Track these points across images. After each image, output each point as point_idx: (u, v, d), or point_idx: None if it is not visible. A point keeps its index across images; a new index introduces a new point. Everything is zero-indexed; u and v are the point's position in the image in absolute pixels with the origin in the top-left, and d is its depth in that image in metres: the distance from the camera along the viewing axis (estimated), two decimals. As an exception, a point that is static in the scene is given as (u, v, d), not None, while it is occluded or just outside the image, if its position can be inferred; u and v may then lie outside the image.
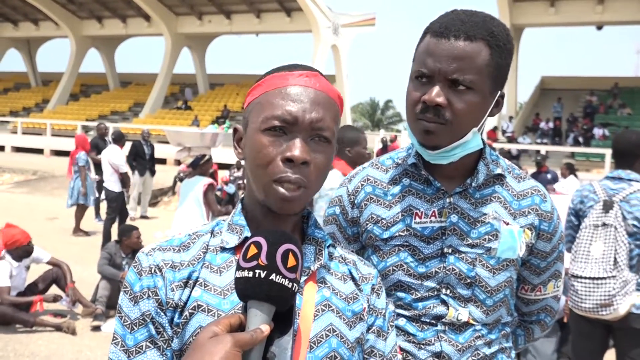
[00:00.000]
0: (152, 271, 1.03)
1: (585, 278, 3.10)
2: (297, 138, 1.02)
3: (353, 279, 1.14)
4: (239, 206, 1.13)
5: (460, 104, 1.30)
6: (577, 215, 3.35)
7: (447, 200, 1.42)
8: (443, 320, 1.40)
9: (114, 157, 8.97)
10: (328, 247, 1.14)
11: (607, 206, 3.13)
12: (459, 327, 1.41)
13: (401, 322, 1.43)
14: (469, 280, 1.40)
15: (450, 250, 1.40)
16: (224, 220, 1.14)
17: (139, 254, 1.07)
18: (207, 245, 1.08)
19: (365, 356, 1.12)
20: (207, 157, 5.84)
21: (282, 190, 1.01)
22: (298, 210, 1.05)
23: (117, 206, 8.95)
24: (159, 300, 1.02)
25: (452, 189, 1.43)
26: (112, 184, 8.88)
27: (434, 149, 1.36)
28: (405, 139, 20.48)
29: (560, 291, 1.60)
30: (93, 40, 33.16)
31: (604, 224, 3.11)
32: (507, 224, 1.42)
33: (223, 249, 1.08)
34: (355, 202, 1.49)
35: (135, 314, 1.01)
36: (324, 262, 1.10)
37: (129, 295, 1.03)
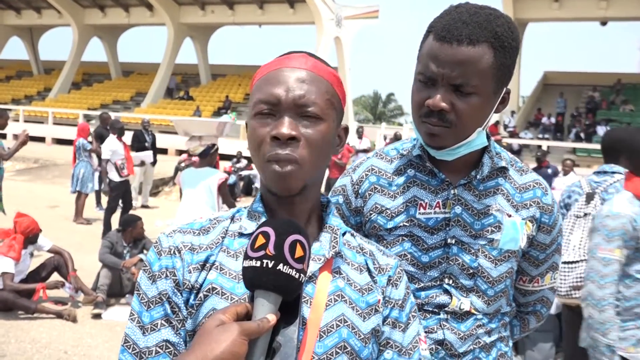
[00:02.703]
0: (172, 252, 1.06)
1: (562, 263, 3.17)
2: (283, 117, 1.04)
3: (368, 270, 1.14)
4: (259, 194, 1.16)
5: (464, 108, 1.31)
6: (566, 209, 3.45)
7: (452, 191, 1.44)
8: (446, 309, 1.42)
9: (103, 145, 9.12)
10: (344, 234, 1.15)
11: (589, 197, 3.23)
12: (461, 316, 1.43)
13: None
14: (471, 271, 1.42)
15: (453, 241, 1.42)
16: (245, 207, 1.16)
17: (160, 235, 1.10)
18: (227, 231, 1.11)
19: (382, 348, 1.11)
20: (216, 147, 5.81)
21: (275, 166, 1.03)
22: (296, 189, 1.05)
23: (118, 195, 8.98)
24: (176, 280, 1.04)
25: (456, 181, 1.45)
26: (112, 173, 8.92)
27: (439, 149, 1.38)
28: (407, 133, 20.45)
29: (556, 283, 1.63)
30: (95, 29, 33.05)
31: (585, 214, 3.19)
32: (510, 216, 1.44)
33: (241, 235, 1.10)
34: (359, 191, 1.50)
35: (153, 292, 1.04)
36: (338, 250, 1.10)
37: (148, 274, 1.06)
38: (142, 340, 1.02)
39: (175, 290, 1.03)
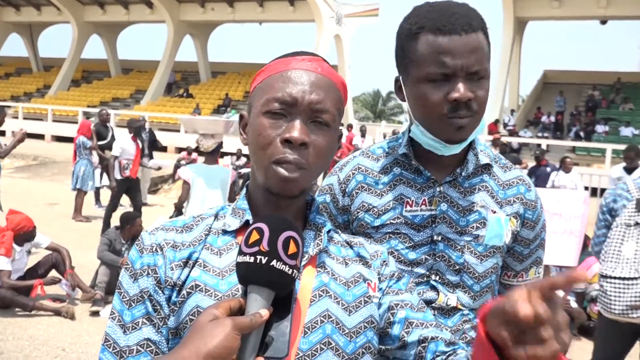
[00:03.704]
0: (154, 250, 1.05)
1: (615, 278, 2.97)
2: (296, 120, 1.03)
3: (362, 258, 1.15)
4: (244, 191, 1.16)
5: (482, 93, 1.34)
6: (611, 214, 3.24)
7: (438, 189, 1.46)
8: (433, 305, 1.44)
9: (115, 142, 9.26)
10: (328, 232, 1.15)
11: None
12: (448, 311, 1.46)
13: None
14: (457, 267, 1.44)
15: (440, 238, 1.44)
16: (229, 205, 1.16)
17: (143, 232, 1.09)
18: (210, 228, 1.10)
19: (391, 312, 1.11)
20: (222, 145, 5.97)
21: (282, 170, 1.02)
22: (297, 192, 1.06)
23: (118, 193, 8.98)
24: (157, 278, 1.03)
25: (442, 178, 1.47)
26: (116, 170, 8.91)
27: (461, 142, 1.39)
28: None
29: (540, 277, 1.64)
30: (95, 26, 33.06)
31: (637, 223, 3.00)
32: (494, 212, 1.47)
33: (225, 232, 1.10)
34: (347, 190, 1.51)
35: (134, 290, 1.03)
36: (323, 247, 1.10)
37: (130, 272, 1.05)
38: (122, 339, 1.01)
39: (157, 288, 1.03)
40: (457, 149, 1.42)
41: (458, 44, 1.30)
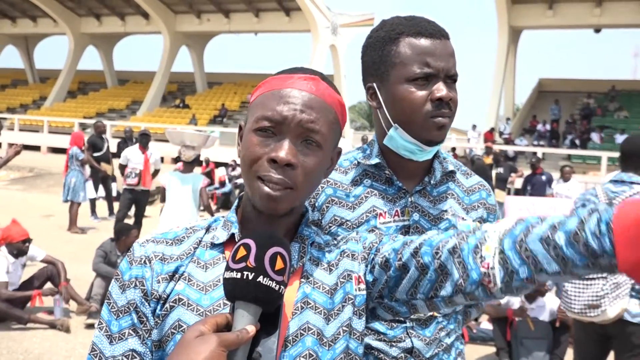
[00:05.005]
0: (142, 262, 1.06)
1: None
2: (285, 140, 1.02)
3: (346, 252, 1.13)
4: (235, 203, 1.15)
5: (456, 95, 1.41)
6: None
7: (409, 199, 1.48)
8: (411, 316, 1.46)
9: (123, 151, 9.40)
10: (312, 243, 1.14)
11: None
12: (425, 321, 1.48)
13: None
14: None
15: None
16: (222, 216, 1.16)
17: (134, 244, 1.10)
18: (200, 241, 1.11)
19: (385, 261, 1.07)
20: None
21: (266, 188, 1.02)
22: (283, 210, 1.05)
23: (123, 204, 9.04)
24: (144, 290, 1.04)
25: (411, 188, 1.49)
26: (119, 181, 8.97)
27: (439, 143, 1.42)
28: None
29: None
30: (91, 38, 33.14)
31: None
32: (463, 219, 1.51)
33: (213, 245, 1.10)
34: (316, 204, 1.50)
35: (122, 301, 1.04)
36: (307, 258, 1.10)
37: (119, 283, 1.06)
38: (108, 349, 1.02)
39: (143, 300, 1.04)
40: (430, 153, 1.45)
41: (439, 47, 1.37)
